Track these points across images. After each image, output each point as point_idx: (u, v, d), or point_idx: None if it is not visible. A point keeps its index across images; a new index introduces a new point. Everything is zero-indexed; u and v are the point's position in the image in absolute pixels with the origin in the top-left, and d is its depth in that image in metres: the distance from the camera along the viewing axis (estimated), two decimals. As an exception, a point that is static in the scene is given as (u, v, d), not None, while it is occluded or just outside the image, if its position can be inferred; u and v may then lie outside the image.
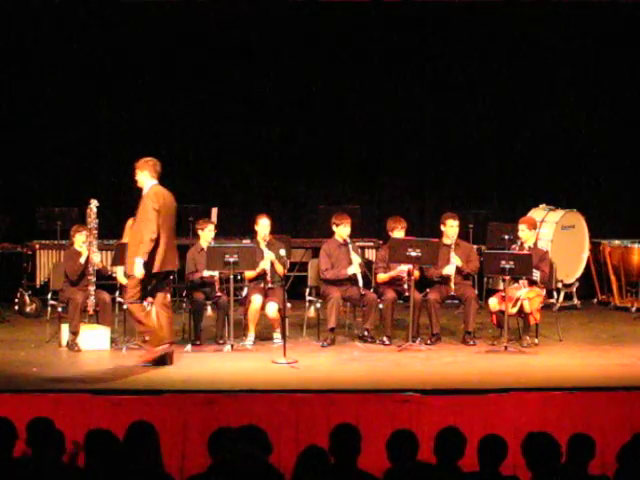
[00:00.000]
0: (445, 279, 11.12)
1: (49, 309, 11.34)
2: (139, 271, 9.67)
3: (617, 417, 8.37)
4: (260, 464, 4.54)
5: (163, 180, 13.93)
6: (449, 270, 11.10)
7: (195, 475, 5.66)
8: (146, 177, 10.06)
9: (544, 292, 11.11)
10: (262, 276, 11.13)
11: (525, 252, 10.90)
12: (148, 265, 9.72)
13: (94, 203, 10.95)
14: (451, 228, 11.22)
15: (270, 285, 11.12)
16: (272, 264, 11.16)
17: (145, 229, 9.75)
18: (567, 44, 13.96)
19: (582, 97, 14.11)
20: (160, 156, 13.86)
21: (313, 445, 5.64)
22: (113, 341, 10.80)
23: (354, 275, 11.07)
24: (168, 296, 10.13)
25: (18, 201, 13.59)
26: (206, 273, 10.97)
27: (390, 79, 14.09)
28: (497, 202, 14.13)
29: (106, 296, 10.94)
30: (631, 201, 14.25)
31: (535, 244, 11.41)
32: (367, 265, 11.68)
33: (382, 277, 11.21)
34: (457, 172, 14.22)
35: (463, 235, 11.96)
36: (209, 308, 11.72)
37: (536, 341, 10.95)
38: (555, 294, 11.87)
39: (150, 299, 10.89)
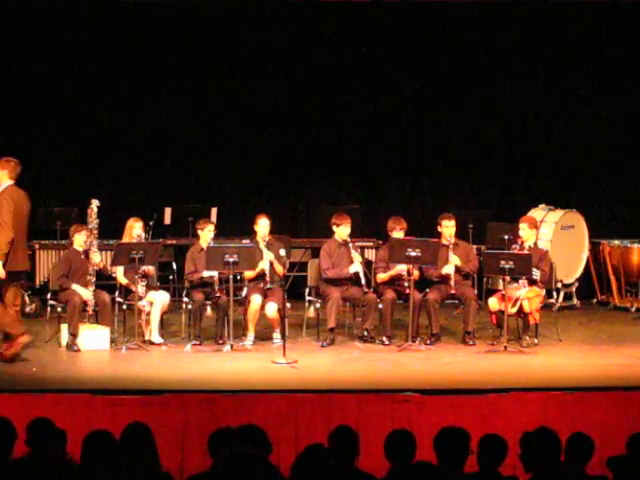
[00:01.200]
0: (445, 279, 11.13)
1: (49, 309, 11.33)
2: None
3: (616, 417, 8.37)
4: (261, 464, 4.53)
5: (165, 180, 14.02)
6: (448, 269, 11.10)
7: (195, 475, 5.66)
8: (4, 176, 10.03)
9: (544, 292, 11.11)
10: (261, 276, 11.13)
11: (525, 252, 10.90)
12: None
13: (95, 203, 10.96)
14: (447, 229, 11.22)
15: (269, 285, 11.12)
16: (271, 264, 11.15)
17: (2, 233, 9.81)
18: (567, 44, 13.96)
19: (581, 96, 14.11)
20: (160, 156, 14.01)
21: (312, 444, 5.63)
22: (113, 341, 10.80)
23: (356, 274, 11.08)
24: (19, 297, 10.31)
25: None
26: (206, 273, 10.97)
27: (390, 79, 14.09)
28: (497, 202, 14.13)
29: (106, 296, 10.93)
30: (631, 201, 14.24)
31: (535, 244, 11.41)
32: (367, 265, 11.67)
33: (382, 277, 11.21)
34: (457, 172, 14.22)
35: (463, 235, 11.97)
36: (208, 308, 11.73)
37: (535, 341, 10.95)
38: (555, 294, 11.87)
39: (150, 300, 10.95)
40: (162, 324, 11.19)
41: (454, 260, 11.12)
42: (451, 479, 5.58)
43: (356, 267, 11.08)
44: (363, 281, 11.02)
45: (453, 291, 11.08)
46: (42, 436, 5.80)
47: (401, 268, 11.05)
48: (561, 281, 12.82)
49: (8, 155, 10.17)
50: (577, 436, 5.99)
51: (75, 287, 10.76)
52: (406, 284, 10.94)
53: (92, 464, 5.45)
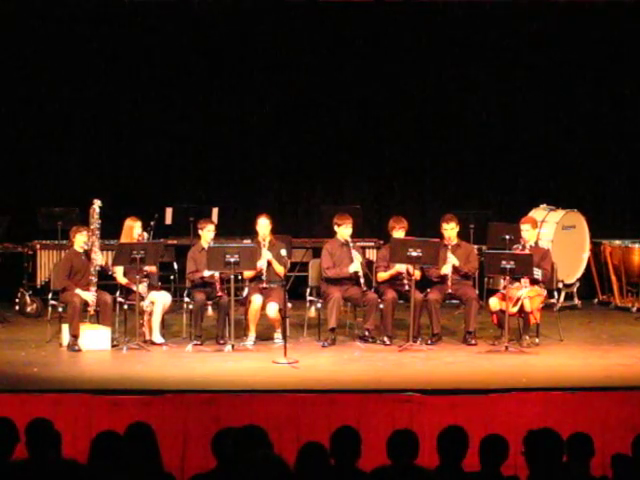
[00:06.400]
0: (443, 278, 11.13)
1: (50, 309, 11.33)
2: None
3: (618, 417, 8.37)
4: (270, 461, 4.52)
5: (166, 180, 14.02)
6: (446, 269, 11.10)
7: (197, 475, 5.65)
8: None
9: (545, 292, 11.11)
10: (259, 276, 11.11)
11: (525, 252, 10.89)
12: None
13: (97, 203, 10.95)
14: (446, 231, 11.22)
15: (266, 285, 11.10)
16: (269, 263, 11.14)
17: None
18: (567, 44, 13.94)
19: (582, 96, 14.11)
20: (161, 156, 14.00)
21: (313, 442, 5.62)
22: (114, 341, 10.80)
23: (356, 274, 11.08)
24: None
25: (19, 201, 13.58)
26: (207, 273, 10.96)
27: (391, 79, 14.08)
28: (498, 202, 14.11)
29: (107, 296, 10.93)
30: (632, 201, 14.23)
31: (536, 243, 11.42)
32: (368, 265, 11.67)
33: (382, 276, 11.21)
34: (458, 172, 14.21)
35: (464, 235, 11.95)
36: (209, 308, 11.72)
37: (537, 341, 10.95)
38: (556, 294, 11.86)
39: (151, 300, 10.95)
40: (163, 324, 11.19)
41: (452, 260, 11.12)
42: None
43: (355, 266, 11.08)
44: (362, 281, 11.02)
45: (450, 291, 11.08)
46: (40, 437, 5.78)
47: (401, 267, 11.06)
48: (562, 281, 12.81)
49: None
50: (577, 436, 5.98)
51: (78, 291, 10.75)
52: (405, 282, 10.95)
53: (101, 465, 5.45)
